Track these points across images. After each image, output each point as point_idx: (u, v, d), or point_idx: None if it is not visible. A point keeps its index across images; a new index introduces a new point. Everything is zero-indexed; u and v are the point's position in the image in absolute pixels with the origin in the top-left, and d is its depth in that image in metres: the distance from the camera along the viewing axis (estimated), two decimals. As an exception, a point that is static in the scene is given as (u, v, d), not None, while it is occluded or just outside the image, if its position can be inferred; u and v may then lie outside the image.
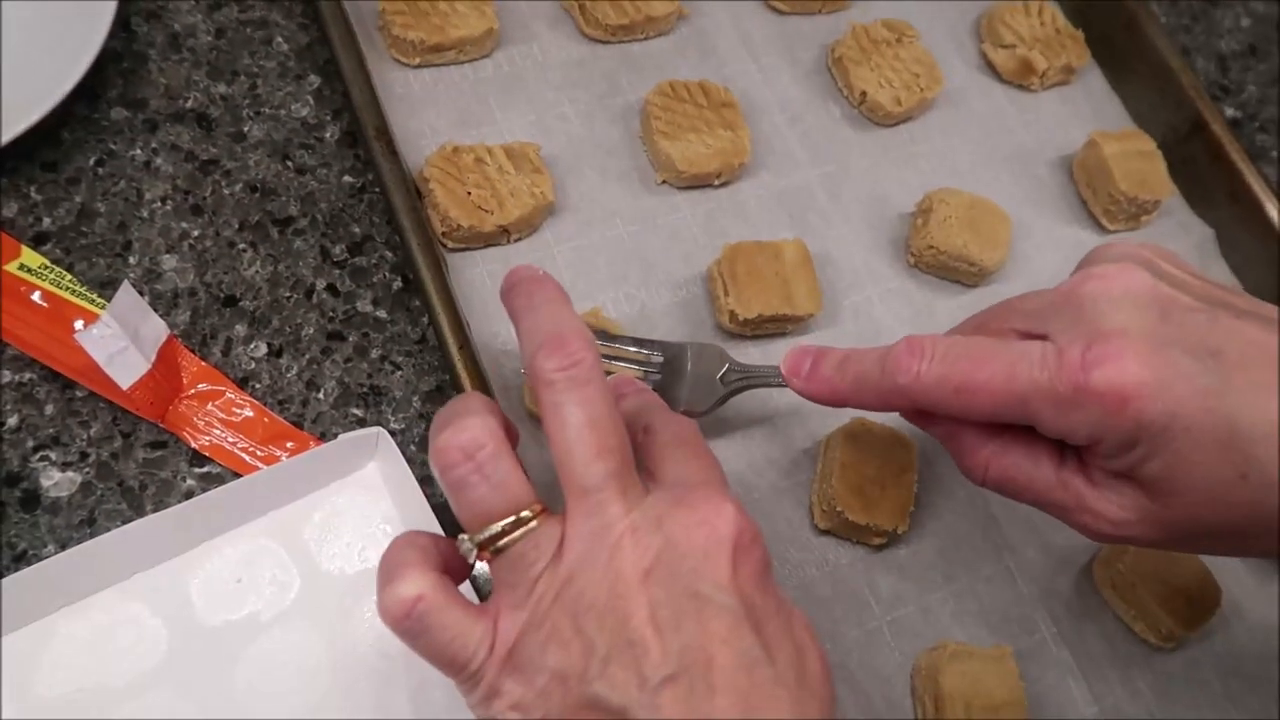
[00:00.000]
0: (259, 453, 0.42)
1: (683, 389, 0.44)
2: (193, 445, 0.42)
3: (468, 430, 0.30)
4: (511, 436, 0.33)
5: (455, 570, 0.32)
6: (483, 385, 0.42)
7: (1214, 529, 0.33)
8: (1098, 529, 0.35)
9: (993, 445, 0.36)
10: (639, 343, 0.44)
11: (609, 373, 0.41)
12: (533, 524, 0.30)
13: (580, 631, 0.29)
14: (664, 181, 0.51)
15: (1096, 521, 0.35)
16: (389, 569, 0.31)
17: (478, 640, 0.30)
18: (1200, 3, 0.68)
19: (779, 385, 0.41)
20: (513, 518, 0.30)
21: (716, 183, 0.52)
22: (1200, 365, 0.32)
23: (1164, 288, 0.34)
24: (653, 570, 0.29)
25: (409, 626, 0.30)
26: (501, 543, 0.30)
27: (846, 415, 0.47)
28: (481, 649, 0.30)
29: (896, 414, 0.47)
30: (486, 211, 0.46)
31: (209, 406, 0.43)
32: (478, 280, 0.46)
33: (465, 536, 0.31)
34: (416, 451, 0.44)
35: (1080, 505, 0.35)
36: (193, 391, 0.43)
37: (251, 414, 0.43)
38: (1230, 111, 0.65)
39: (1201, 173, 0.57)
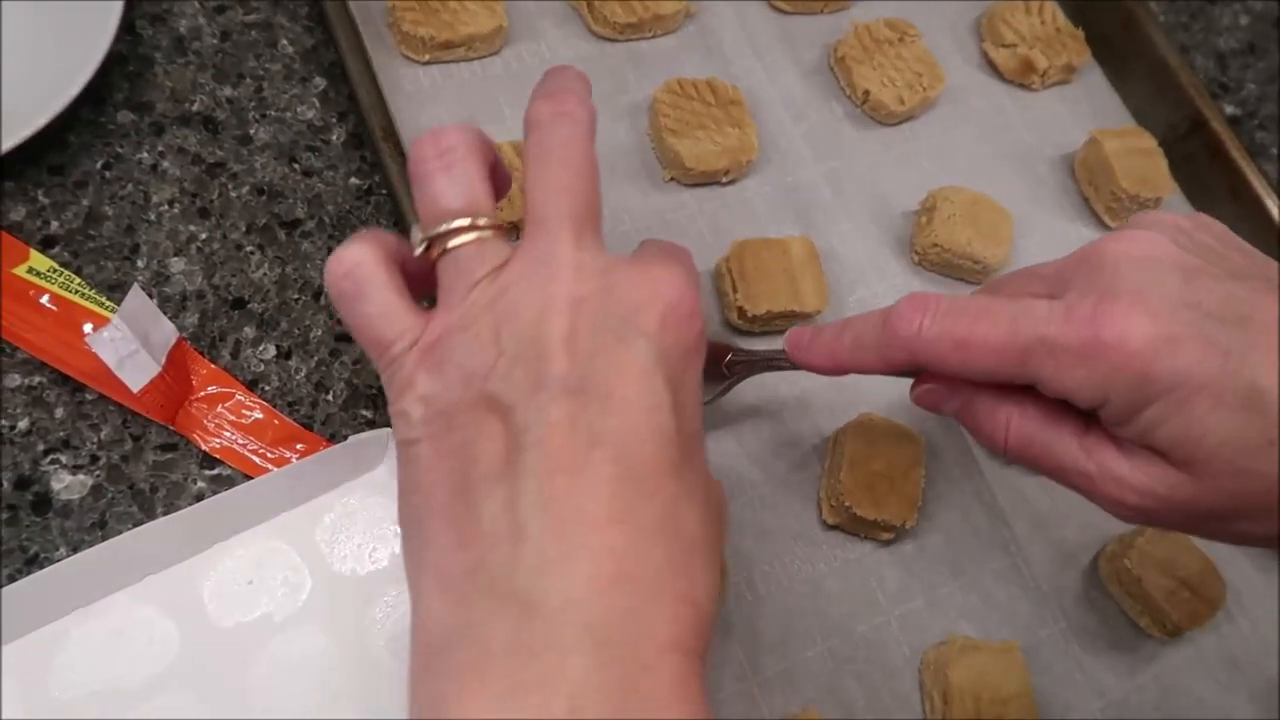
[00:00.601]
0: (269, 455, 0.42)
1: None
2: (203, 448, 0.42)
3: (446, 130, 0.31)
4: (500, 177, 0.33)
5: (415, 278, 0.32)
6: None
7: (1245, 504, 0.32)
8: (1123, 500, 0.33)
9: (1010, 406, 0.35)
10: None
11: None
12: (485, 233, 0.30)
13: (497, 338, 0.29)
14: (672, 179, 0.51)
15: (1122, 492, 0.33)
16: (349, 239, 0.31)
17: (405, 327, 0.30)
18: (1199, 1, 0.69)
19: (781, 367, 0.41)
20: (466, 220, 0.30)
21: (724, 180, 0.52)
22: (1221, 328, 0.31)
23: (1189, 257, 0.33)
24: (585, 301, 0.29)
25: (344, 288, 0.31)
26: (450, 243, 0.30)
27: (855, 410, 0.47)
28: (406, 336, 0.30)
29: (906, 407, 0.48)
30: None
31: (219, 409, 0.43)
32: (485, 279, 0.47)
33: (417, 227, 0.31)
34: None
35: (1105, 474, 0.33)
36: (203, 394, 0.43)
37: (261, 416, 0.43)
38: (1230, 109, 0.66)
39: (1201, 170, 0.57)
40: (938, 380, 0.37)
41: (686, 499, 0.29)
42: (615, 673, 0.26)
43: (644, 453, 0.28)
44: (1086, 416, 0.34)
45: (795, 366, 0.40)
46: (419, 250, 0.31)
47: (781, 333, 0.49)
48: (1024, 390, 0.34)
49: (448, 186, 0.31)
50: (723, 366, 0.44)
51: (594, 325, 0.29)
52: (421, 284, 0.32)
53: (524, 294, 0.29)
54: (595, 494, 0.27)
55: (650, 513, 0.28)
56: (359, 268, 0.30)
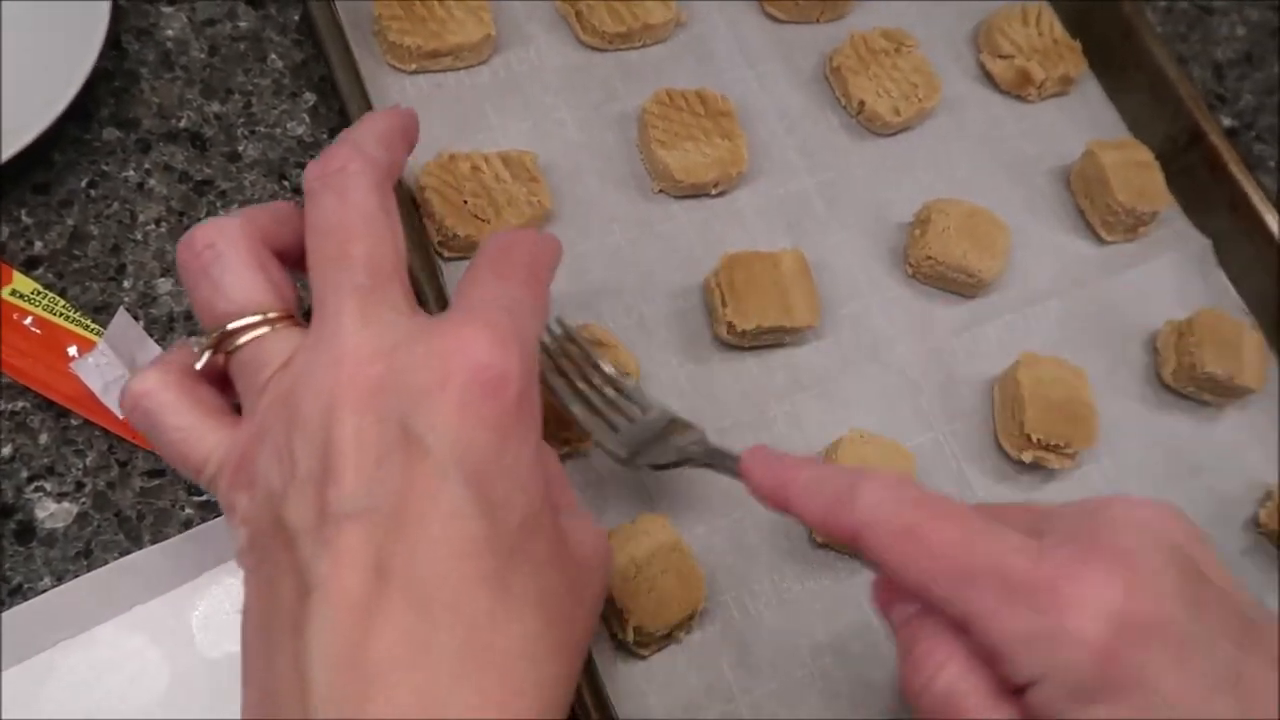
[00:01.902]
0: (258, 479, 0.42)
1: (639, 439, 0.41)
2: (191, 473, 0.42)
3: (202, 229, 0.29)
4: (292, 251, 0.31)
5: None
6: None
7: None
8: None
9: (954, 648, 0.28)
10: (623, 392, 0.42)
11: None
12: (263, 329, 0.29)
13: (290, 447, 0.27)
14: (661, 190, 0.51)
15: None
16: (137, 371, 0.30)
17: (210, 447, 0.29)
18: (1196, 10, 0.68)
19: (722, 470, 0.37)
20: (243, 321, 0.29)
21: (714, 191, 0.51)
22: (1215, 652, 0.25)
23: (1197, 551, 0.27)
24: (371, 396, 0.26)
25: (136, 419, 0.30)
26: (233, 344, 0.29)
27: (846, 426, 0.47)
28: (214, 456, 0.29)
29: (898, 424, 0.48)
30: (483, 220, 0.46)
31: (206, 433, 0.42)
32: (474, 293, 0.46)
33: (193, 339, 0.30)
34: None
35: None
36: (190, 418, 0.42)
37: (249, 440, 0.42)
38: (1227, 121, 0.65)
39: (1199, 183, 0.57)
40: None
41: (506, 609, 0.26)
42: None
43: (440, 575, 0.25)
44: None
45: (736, 476, 0.36)
46: (200, 362, 0.30)
47: (772, 348, 0.49)
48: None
49: (211, 290, 0.29)
50: (680, 445, 0.40)
51: (382, 425, 0.26)
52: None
53: (308, 391, 0.27)
54: (385, 637, 0.25)
55: (450, 645, 0.25)
56: (145, 399, 0.29)
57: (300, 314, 0.30)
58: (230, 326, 0.29)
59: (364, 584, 0.25)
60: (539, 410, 0.29)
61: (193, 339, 0.30)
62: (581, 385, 0.41)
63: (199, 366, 0.30)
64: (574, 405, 0.40)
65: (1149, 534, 0.27)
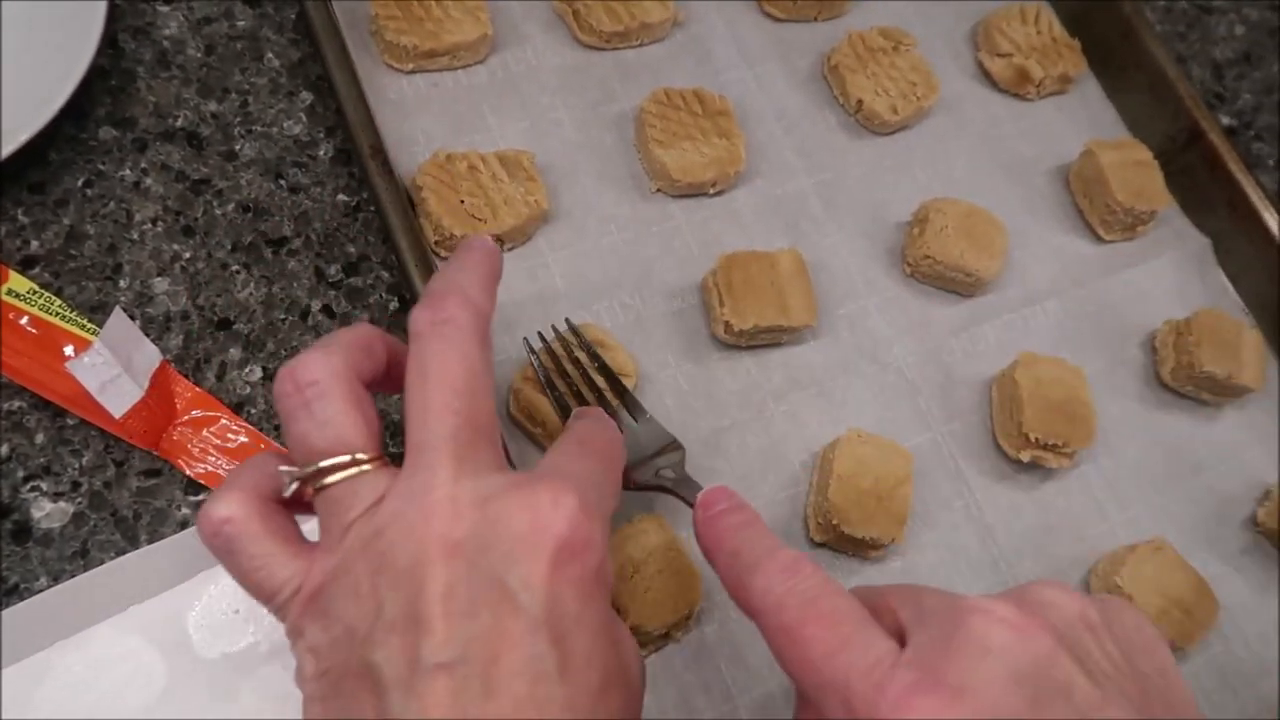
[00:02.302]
0: (254, 479, 0.42)
1: (630, 458, 0.40)
2: (187, 473, 0.42)
3: (306, 364, 0.30)
4: (378, 378, 0.32)
5: (308, 505, 0.31)
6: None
7: None
8: None
9: None
10: (630, 403, 0.42)
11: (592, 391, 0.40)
12: (353, 470, 0.29)
13: (375, 590, 0.27)
14: (659, 190, 0.51)
15: None
16: (221, 485, 0.31)
17: (286, 577, 0.29)
18: (1195, 10, 0.68)
19: (682, 499, 0.39)
20: (336, 459, 0.29)
21: (711, 191, 0.51)
22: None
23: (1064, 666, 0.27)
24: (462, 546, 0.27)
25: (214, 545, 0.30)
26: (322, 482, 0.29)
27: (844, 426, 0.47)
28: (289, 586, 0.29)
29: (895, 423, 0.48)
30: (480, 220, 0.46)
31: (204, 433, 0.42)
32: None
33: (284, 468, 0.30)
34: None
35: None
36: (187, 418, 0.42)
37: (247, 440, 0.42)
38: (1226, 120, 0.65)
39: (1198, 182, 0.56)
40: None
41: None
42: None
43: (528, 716, 0.26)
44: None
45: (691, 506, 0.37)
46: (288, 492, 0.30)
47: (769, 347, 0.49)
48: None
49: (311, 427, 0.30)
50: (658, 468, 0.41)
51: (472, 576, 0.27)
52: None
53: (398, 538, 0.28)
54: None
55: None
56: (227, 526, 0.30)
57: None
58: (324, 464, 0.29)
59: None
60: (611, 579, 0.30)
61: (283, 468, 0.30)
62: (574, 399, 0.42)
63: (286, 494, 0.30)
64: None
65: (1000, 662, 0.26)
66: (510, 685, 0.26)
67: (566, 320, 0.44)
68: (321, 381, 0.30)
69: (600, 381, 0.43)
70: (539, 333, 0.44)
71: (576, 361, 0.43)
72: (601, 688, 0.28)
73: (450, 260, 0.34)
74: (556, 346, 0.43)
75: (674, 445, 0.42)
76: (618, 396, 0.42)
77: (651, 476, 0.40)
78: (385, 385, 0.33)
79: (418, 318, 0.31)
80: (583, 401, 0.42)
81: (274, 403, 0.30)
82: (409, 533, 0.28)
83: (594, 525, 0.29)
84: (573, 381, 0.42)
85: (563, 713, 0.27)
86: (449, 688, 0.26)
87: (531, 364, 0.43)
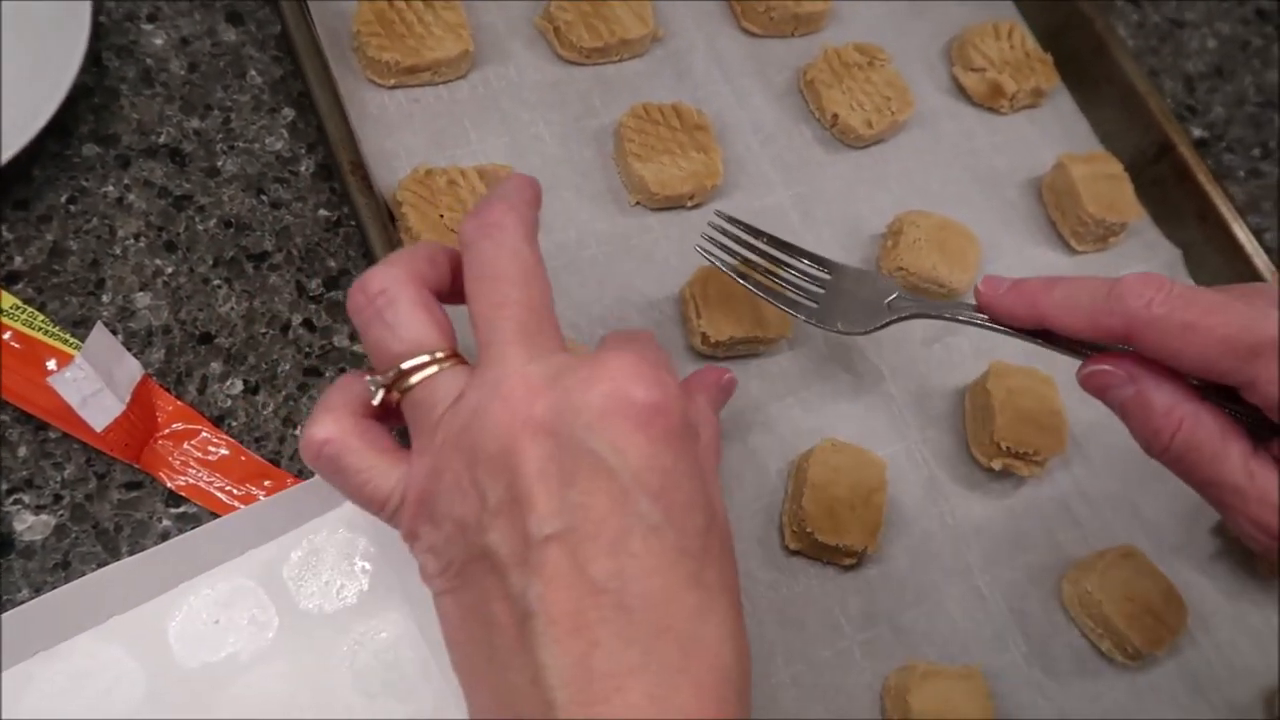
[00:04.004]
0: (236, 492, 0.42)
1: (842, 309, 0.44)
2: (169, 485, 0.42)
3: (372, 276, 0.32)
4: (444, 288, 0.33)
5: (396, 414, 0.33)
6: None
7: None
8: (1269, 525, 0.34)
9: (1188, 406, 0.34)
10: (808, 256, 0.44)
11: (774, 278, 0.43)
12: (433, 369, 0.31)
13: (475, 482, 0.29)
14: (637, 203, 0.52)
15: (1270, 516, 0.33)
16: (314, 411, 0.32)
17: (394, 484, 0.31)
18: (1167, 24, 0.69)
19: (954, 318, 0.41)
20: (415, 360, 0.31)
21: (689, 204, 0.52)
22: None
23: None
24: (546, 423, 0.29)
25: (320, 467, 0.32)
26: (404, 384, 0.31)
27: (819, 435, 0.48)
28: (397, 492, 0.31)
29: (870, 431, 0.49)
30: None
31: (185, 446, 0.43)
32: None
33: (369, 378, 0.32)
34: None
35: (1260, 496, 0.34)
36: (168, 431, 0.43)
37: (228, 453, 0.43)
38: (1198, 132, 0.66)
39: (1169, 194, 0.57)
40: (1117, 362, 0.36)
41: (706, 603, 0.29)
42: None
43: (647, 585, 0.28)
44: (1254, 438, 0.35)
45: (959, 318, 0.41)
46: (377, 399, 0.32)
47: (746, 358, 0.49)
48: (1199, 399, 0.35)
49: (386, 335, 0.31)
50: (885, 304, 0.43)
51: (562, 450, 0.28)
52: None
53: (483, 427, 0.29)
54: (608, 646, 0.27)
55: (667, 650, 0.27)
56: (327, 446, 0.31)
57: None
58: (404, 366, 0.31)
59: (578, 601, 0.27)
60: (696, 427, 0.31)
61: (368, 378, 0.32)
62: (767, 278, 0.44)
63: (375, 403, 0.32)
64: (770, 298, 0.44)
65: None
66: (621, 544, 0.28)
67: (716, 212, 0.46)
68: (389, 290, 0.31)
69: (774, 258, 0.44)
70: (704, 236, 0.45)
71: (754, 250, 0.44)
72: (705, 529, 0.30)
73: (491, 190, 0.35)
74: (728, 241, 0.44)
75: (872, 274, 0.44)
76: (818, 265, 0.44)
77: (887, 315, 0.43)
78: (452, 297, 0.34)
79: (466, 229, 0.32)
80: (773, 289, 0.44)
81: (350, 318, 0.32)
82: (493, 420, 0.29)
83: (669, 382, 0.30)
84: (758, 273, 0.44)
85: (678, 556, 0.28)
86: (561, 556, 0.28)
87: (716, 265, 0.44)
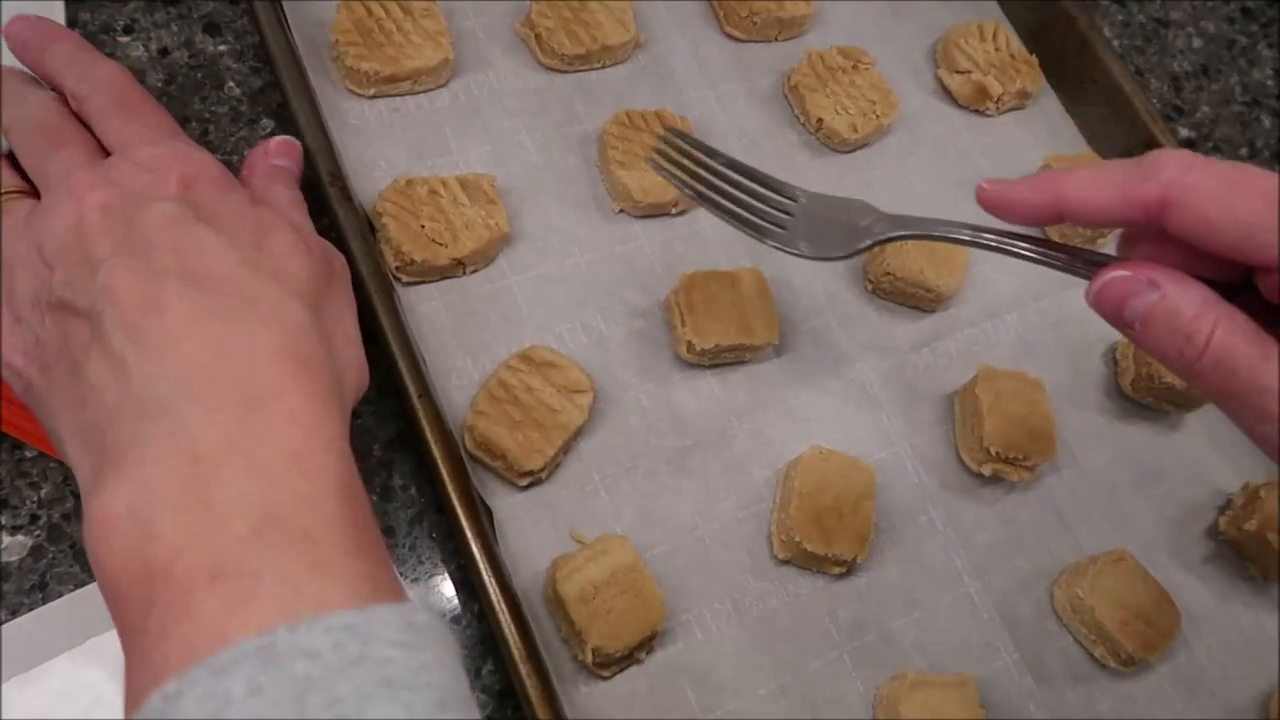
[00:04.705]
0: (215, 508, 0.42)
1: (815, 235, 0.40)
2: (147, 503, 0.42)
3: None
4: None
5: None
6: (442, 432, 0.42)
7: None
8: None
9: (1222, 308, 0.31)
10: (773, 181, 0.42)
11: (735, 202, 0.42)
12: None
13: (44, 259, 0.34)
14: (621, 210, 0.51)
15: None
16: None
17: None
18: (1153, 24, 0.69)
19: (943, 236, 0.38)
20: None
21: (674, 211, 0.52)
22: None
23: None
24: (107, 203, 0.34)
25: None
26: None
27: (806, 443, 0.47)
28: None
29: (858, 439, 0.48)
30: (440, 245, 0.46)
31: (163, 462, 0.42)
32: (432, 314, 0.46)
33: None
34: (379, 501, 0.44)
35: None
36: (146, 447, 0.42)
37: (207, 468, 0.42)
38: (1185, 131, 0.66)
39: (1155, 194, 0.57)
40: (1134, 268, 0.33)
41: (261, 279, 0.33)
42: (230, 413, 0.30)
43: (203, 264, 0.33)
44: None
45: (949, 236, 0.37)
46: None
47: (733, 365, 0.49)
48: (1226, 301, 0.32)
49: None
50: (864, 225, 0.40)
51: (119, 209, 0.34)
52: None
53: (52, 219, 0.34)
54: (175, 309, 0.31)
55: (230, 303, 0.32)
56: None
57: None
58: None
59: (144, 287, 0.31)
60: (241, 188, 0.38)
61: None
62: (726, 200, 0.42)
63: None
64: (733, 220, 0.41)
65: None
66: (176, 244, 0.33)
67: (668, 128, 0.45)
68: None
69: (732, 179, 0.42)
70: (654, 149, 0.43)
71: (708, 169, 0.42)
72: (256, 244, 0.35)
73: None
74: (675, 155, 0.43)
75: (844, 200, 0.41)
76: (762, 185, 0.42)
77: (862, 239, 0.39)
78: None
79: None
80: (737, 214, 0.41)
81: None
82: (61, 214, 0.34)
83: (191, 150, 0.37)
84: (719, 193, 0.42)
85: (230, 249, 0.33)
86: (126, 265, 0.32)
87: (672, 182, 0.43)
